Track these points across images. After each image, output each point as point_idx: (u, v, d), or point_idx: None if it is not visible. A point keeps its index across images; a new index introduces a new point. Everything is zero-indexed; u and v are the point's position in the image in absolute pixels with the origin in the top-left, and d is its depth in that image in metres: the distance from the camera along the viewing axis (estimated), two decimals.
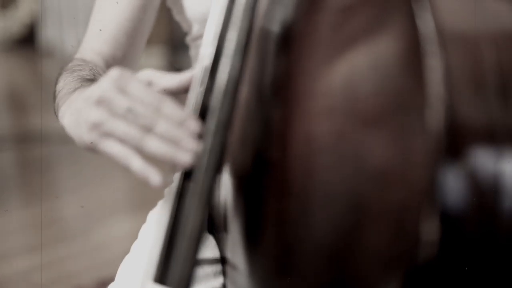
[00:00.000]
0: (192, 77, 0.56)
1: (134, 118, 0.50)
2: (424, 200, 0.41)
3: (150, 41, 0.89)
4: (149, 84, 0.55)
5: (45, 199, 2.58)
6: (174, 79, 0.56)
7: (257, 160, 0.53)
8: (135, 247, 0.73)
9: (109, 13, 0.81)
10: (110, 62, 0.79)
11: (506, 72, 0.43)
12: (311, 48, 0.49)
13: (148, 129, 0.49)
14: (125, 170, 0.52)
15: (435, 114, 0.41)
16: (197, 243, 0.48)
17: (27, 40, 4.93)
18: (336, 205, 0.45)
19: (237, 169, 0.56)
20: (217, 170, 0.50)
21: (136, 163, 0.50)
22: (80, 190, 2.62)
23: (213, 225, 0.68)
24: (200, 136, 0.50)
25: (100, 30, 0.80)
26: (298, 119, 0.48)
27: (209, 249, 0.69)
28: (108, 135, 0.51)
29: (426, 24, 0.42)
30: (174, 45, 3.71)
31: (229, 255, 0.63)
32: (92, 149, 0.53)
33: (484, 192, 0.42)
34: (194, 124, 0.50)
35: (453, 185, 0.41)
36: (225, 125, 0.50)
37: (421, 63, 0.41)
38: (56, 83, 0.70)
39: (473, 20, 0.44)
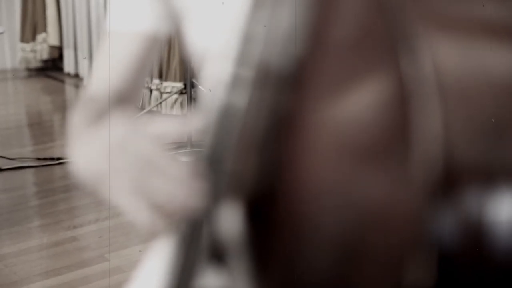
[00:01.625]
0: (202, 119, 0.58)
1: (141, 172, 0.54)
2: (417, 245, 0.41)
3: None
4: (160, 135, 0.58)
5: (65, 224, 2.60)
6: (184, 127, 0.59)
7: (264, 194, 0.54)
8: (136, 276, 0.75)
9: (116, 50, 0.84)
10: (116, 97, 0.82)
11: (502, 116, 0.43)
12: (316, 86, 0.50)
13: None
14: None
15: (431, 157, 0.41)
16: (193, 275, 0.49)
17: (57, 62, 5.00)
18: (331, 246, 0.45)
19: (245, 202, 0.57)
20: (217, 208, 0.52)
21: (140, 218, 0.53)
22: (99, 217, 2.63)
23: (217, 254, 0.68)
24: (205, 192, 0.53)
25: (106, 66, 0.83)
26: (300, 156, 0.49)
27: (211, 278, 0.69)
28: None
29: (419, 68, 0.42)
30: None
31: (232, 284, 0.63)
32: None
33: (479, 235, 0.42)
34: (199, 183, 0.54)
35: (447, 228, 0.41)
36: (232, 163, 0.52)
37: (410, 106, 0.42)
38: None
39: (472, 64, 0.45)
